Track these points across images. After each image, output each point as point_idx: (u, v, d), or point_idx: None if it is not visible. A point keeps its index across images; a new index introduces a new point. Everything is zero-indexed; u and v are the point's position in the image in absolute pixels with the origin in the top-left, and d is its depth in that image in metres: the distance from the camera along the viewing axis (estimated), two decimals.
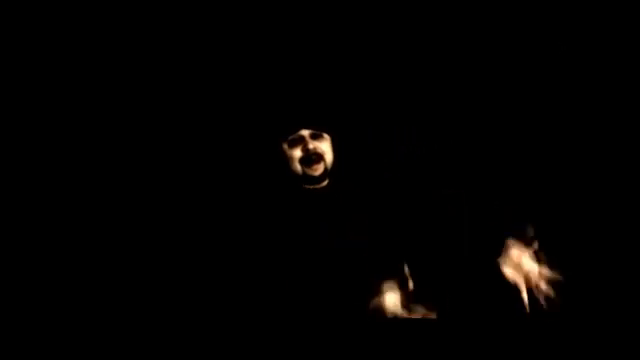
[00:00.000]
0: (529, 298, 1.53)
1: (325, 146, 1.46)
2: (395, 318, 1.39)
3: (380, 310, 1.38)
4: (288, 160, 1.45)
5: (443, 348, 1.50)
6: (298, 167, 1.44)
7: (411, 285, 1.45)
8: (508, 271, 1.52)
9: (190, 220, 1.66)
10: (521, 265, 1.48)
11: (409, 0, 1.83)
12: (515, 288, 1.65)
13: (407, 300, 1.42)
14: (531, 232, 1.51)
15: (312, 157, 1.43)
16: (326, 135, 1.48)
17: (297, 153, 1.44)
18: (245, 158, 1.74)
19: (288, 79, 1.80)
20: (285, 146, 1.47)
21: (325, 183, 1.50)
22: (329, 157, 1.47)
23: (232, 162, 1.76)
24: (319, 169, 1.44)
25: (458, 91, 1.85)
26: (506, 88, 1.83)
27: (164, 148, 1.78)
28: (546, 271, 1.50)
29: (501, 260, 1.53)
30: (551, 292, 1.49)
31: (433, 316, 1.49)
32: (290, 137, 1.46)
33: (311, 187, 1.48)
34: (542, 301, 1.50)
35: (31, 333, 1.64)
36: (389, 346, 1.36)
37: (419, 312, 1.42)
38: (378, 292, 1.38)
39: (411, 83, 1.85)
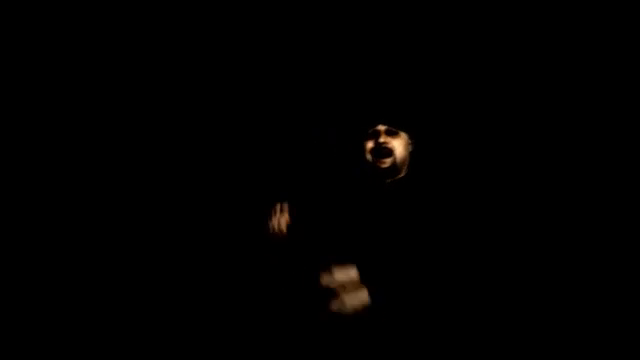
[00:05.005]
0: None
1: (397, 142, 1.58)
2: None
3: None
4: (363, 151, 1.60)
5: (444, 347, 1.51)
6: (369, 157, 1.59)
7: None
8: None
9: (259, 202, 1.80)
10: None
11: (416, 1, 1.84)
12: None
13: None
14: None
15: (382, 150, 1.56)
16: (402, 133, 1.60)
17: (370, 145, 1.59)
18: (327, 150, 1.95)
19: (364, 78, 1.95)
20: (363, 138, 1.61)
21: (401, 177, 1.62)
22: (400, 153, 1.58)
23: (313, 153, 1.97)
24: (387, 162, 1.56)
25: (458, 91, 1.85)
26: (506, 88, 1.84)
27: (238, 140, 1.96)
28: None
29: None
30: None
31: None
32: (368, 130, 1.60)
33: (389, 180, 1.60)
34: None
35: (31, 333, 1.66)
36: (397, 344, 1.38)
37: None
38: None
39: (411, 84, 1.86)
